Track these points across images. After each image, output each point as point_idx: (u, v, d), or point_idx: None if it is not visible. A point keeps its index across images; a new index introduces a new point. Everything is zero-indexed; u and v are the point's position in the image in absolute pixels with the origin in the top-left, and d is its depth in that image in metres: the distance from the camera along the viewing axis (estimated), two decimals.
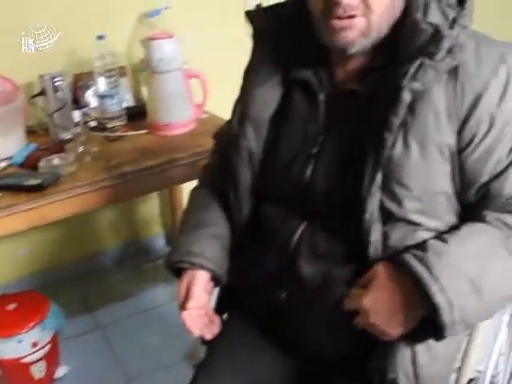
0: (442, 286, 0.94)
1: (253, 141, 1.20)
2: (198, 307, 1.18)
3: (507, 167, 1.03)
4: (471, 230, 1.04)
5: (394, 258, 1.02)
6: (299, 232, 1.14)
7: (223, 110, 1.63)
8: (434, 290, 0.94)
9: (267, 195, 1.22)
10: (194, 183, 1.46)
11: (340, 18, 1.02)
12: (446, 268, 0.96)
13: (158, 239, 3.07)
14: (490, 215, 1.04)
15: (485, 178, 1.03)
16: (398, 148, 1.01)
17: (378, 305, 1.00)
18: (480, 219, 1.05)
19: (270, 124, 1.20)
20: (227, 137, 1.30)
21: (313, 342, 1.15)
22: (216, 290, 1.32)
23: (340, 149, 1.11)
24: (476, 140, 1.02)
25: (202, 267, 1.21)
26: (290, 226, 1.15)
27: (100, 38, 2.21)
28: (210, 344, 1.27)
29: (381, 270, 1.02)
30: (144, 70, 2.38)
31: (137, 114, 2.32)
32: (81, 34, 2.31)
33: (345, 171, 1.09)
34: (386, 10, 1.04)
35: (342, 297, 1.05)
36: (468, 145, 1.02)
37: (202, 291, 1.20)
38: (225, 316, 1.36)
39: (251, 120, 1.20)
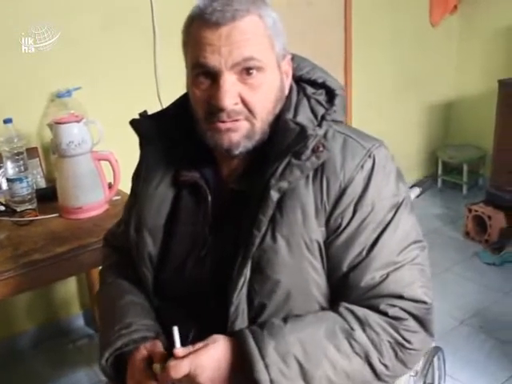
0: (267, 365, 0.96)
1: (151, 246, 1.21)
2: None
3: (366, 260, 1.06)
4: (317, 317, 1.06)
5: (235, 331, 1.04)
6: (192, 335, 1.13)
7: None
8: (259, 367, 0.96)
9: (165, 296, 1.22)
10: None
11: (224, 121, 1.06)
12: (276, 349, 0.98)
13: (77, 319, 2.99)
14: (342, 305, 1.07)
15: (345, 267, 1.07)
16: (267, 244, 1.05)
17: (204, 368, 0.99)
18: (333, 308, 1.08)
19: (165, 225, 1.22)
20: (119, 240, 1.32)
21: None
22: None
23: (225, 248, 1.13)
24: (339, 230, 1.06)
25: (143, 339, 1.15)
26: (184, 329, 1.14)
27: (6, 121, 2.18)
28: None
29: (218, 339, 1.03)
30: (54, 152, 2.35)
31: (48, 196, 2.28)
32: None
33: (228, 270, 1.10)
34: (268, 114, 1.10)
35: None
36: (332, 234, 1.07)
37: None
38: None
39: (147, 227, 1.21)
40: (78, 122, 2.10)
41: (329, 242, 1.07)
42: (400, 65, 4.16)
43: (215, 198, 1.17)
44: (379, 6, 3.90)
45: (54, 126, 2.11)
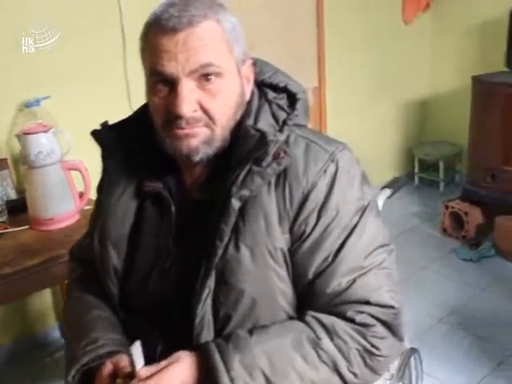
0: (233, 378, 0.96)
1: (115, 259, 1.19)
2: None
3: (332, 266, 1.05)
4: (283, 327, 1.05)
5: (200, 344, 1.03)
6: (159, 348, 1.12)
7: None
8: (225, 381, 0.96)
9: (131, 309, 1.20)
10: None
11: (183, 128, 1.05)
12: (242, 362, 0.98)
13: (53, 331, 2.93)
14: (309, 314, 1.06)
15: (310, 274, 1.06)
16: (230, 254, 1.04)
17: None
18: (300, 317, 1.07)
19: (129, 237, 1.20)
20: (84, 253, 1.30)
21: None
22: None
23: (189, 259, 1.12)
24: (304, 236, 1.05)
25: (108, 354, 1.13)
26: (151, 343, 1.13)
27: None
28: None
29: (181, 356, 1.02)
30: (23, 163, 2.32)
31: (19, 208, 2.25)
32: None
33: (193, 282, 1.09)
34: (228, 120, 1.08)
35: None
36: (297, 241, 1.06)
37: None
38: None
39: (111, 240, 1.19)
40: (46, 132, 2.07)
41: (294, 249, 1.06)
42: (374, 64, 4.18)
43: (179, 208, 1.16)
44: (351, 6, 3.91)
45: (22, 136, 2.08)
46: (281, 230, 1.05)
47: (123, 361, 1.09)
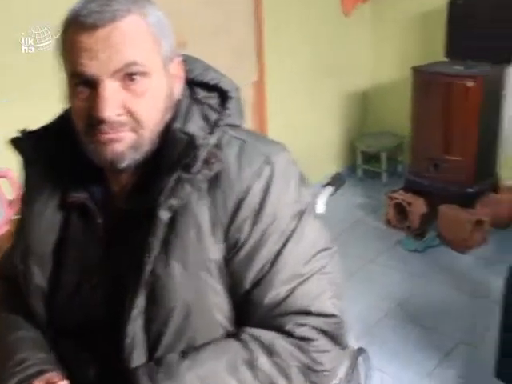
0: None
1: (39, 276, 1.09)
2: None
3: (270, 275, 0.98)
4: (218, 349, 0.98)
5: (130, 369, 0.96)
6: (92, 372, 1.03)
7: None
8: None
9: (59, 328, 1.10)
10: None
11: (106, 133, 0.95)
12: None
13: None
14: (246, 332, 0.99)
15: (247, 285, 0.99)
16: (160, 269, 0.96)
17: None
18: (237, 334, 1.00)
19: (54, 252, 1.09)
20: (8, 269, 1.19)
21: None
22: None
23: (118, 275, 1.02)
24: (239, 244, 0.98)
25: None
26: (82, 365, 1.05)
27: None
28: None
29: None
30: None
31: None
32: None
33: (122, 299, 1.00)
34: (156, 123, 0.99)
35: None
36: (232, 249, 0.98)
37: None
38: None
39: (34, 256, 1.08)
40: None
41: (229, 258, 0.99)
42: (315, 56, 4.13)
43: (106, 220, 1.06)
44: None
45: None
46: (214, 239, 0.97)
47: (54, 378, 1.01)
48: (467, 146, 3.50)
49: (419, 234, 3.53)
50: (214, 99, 1.06)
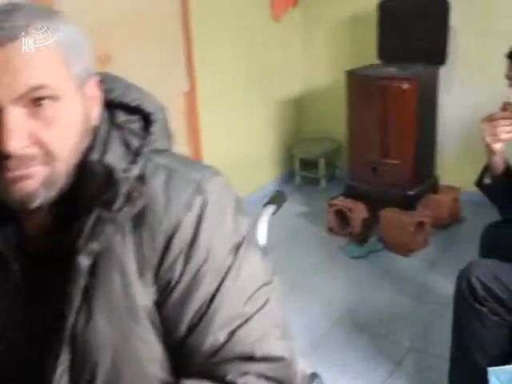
0: None
1: None
2: None
3: (207, 318, 0.87)
4: None
5: None
6: None
7: None
8: None
9: None
10: None
11: (14, 169, 0.80)
12: None
13: None
14: None
15: (182, 331, 0.87)
16: (83, 322, 0.84)
17: None
18: None
19: None
20: None
21: None
22: None
23: (38, 329, 0.90)
24: (171, 285, 0.87)
25: None
26: None
27: None
28: None
29: None
30: None
31: None
32: None
33: (45, 355, 0.88)
34: (71, 153, 0.85)
35: None
36: (164, 292, 0.87)
37: None
38: None
39: None
40: None
41: (161, 302, 0.87)
42: (247, 63, 4.03)
43: (23, 266, 0.91)
44: (218, 6, 3.72)
45: None
46: (142, 284, 0.85)
47: None
48: (405, 148, 3.47)
49: (362, 239, 3.48)
50: (136, 123, 0.93)
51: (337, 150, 4.42)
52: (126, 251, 0.84)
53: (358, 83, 3.60)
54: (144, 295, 0.85)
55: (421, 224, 3.38)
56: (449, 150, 3.90)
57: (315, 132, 4.57)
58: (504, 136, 1.87)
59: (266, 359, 0.88)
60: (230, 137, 3.93)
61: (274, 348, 0.89)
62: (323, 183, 4.43)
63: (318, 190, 4.39)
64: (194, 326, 0.86)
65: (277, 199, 1.70)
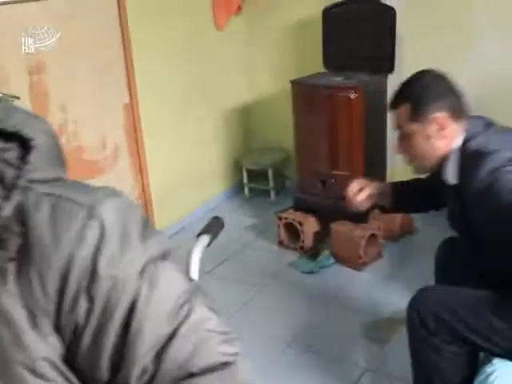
0: None
1: None
2: None
3: (127, 350, 0.75)
4: None
5: None
6: None
7: None
8: None
9: None
10: None
11: None
12: None
13: None
14: None
15: (105, 374, 0.75)
16: None
17: None
18: None
19: None
20: None
21: None
22: None
23: None
24: (78, 328, 0.74)
25: None
26: None
27: None
28: None
29: None
30: None
31: None
32: None
33: None
34: None
35: None
36: (72, 339, 0.74)
37: None
38: None
39: None
40: None
41: (72, 351, 0.74)
42: (190, 75, 3.89)
43: None
44: (158, 16, 3.57)
45: None
46: (38, 333, 0.72)
47: None
48: (354, 159, 3.38)
49: (313, 254, 3.38)
50: (12, 152, 0.79)
51: (286, 159, 4.32)
52: (10, 301, 0.72)
53: (304, 93, 3.50)
54: (43, 347, 0.73)
55: (373, 236, 3.30)
56: (399, 159, 3.83)
57: (263, 142, 4.47)
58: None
59: (207, 370, 0.77)
60: (175, 149, 3.79)
61: (214, 357, 0.78)
62: (272, 195, 4.32)
63: (267, 202, 4.28)
64: (116, 366, 0.74)
65: (213, 227, 1.53)
